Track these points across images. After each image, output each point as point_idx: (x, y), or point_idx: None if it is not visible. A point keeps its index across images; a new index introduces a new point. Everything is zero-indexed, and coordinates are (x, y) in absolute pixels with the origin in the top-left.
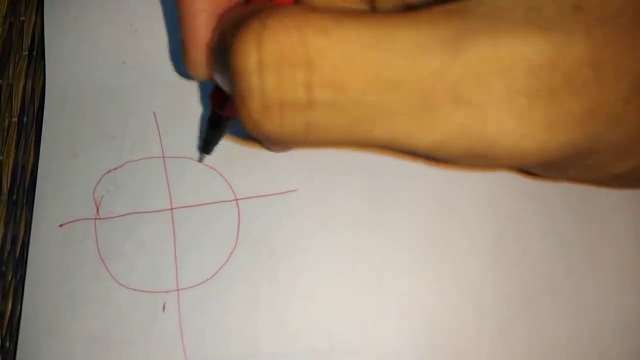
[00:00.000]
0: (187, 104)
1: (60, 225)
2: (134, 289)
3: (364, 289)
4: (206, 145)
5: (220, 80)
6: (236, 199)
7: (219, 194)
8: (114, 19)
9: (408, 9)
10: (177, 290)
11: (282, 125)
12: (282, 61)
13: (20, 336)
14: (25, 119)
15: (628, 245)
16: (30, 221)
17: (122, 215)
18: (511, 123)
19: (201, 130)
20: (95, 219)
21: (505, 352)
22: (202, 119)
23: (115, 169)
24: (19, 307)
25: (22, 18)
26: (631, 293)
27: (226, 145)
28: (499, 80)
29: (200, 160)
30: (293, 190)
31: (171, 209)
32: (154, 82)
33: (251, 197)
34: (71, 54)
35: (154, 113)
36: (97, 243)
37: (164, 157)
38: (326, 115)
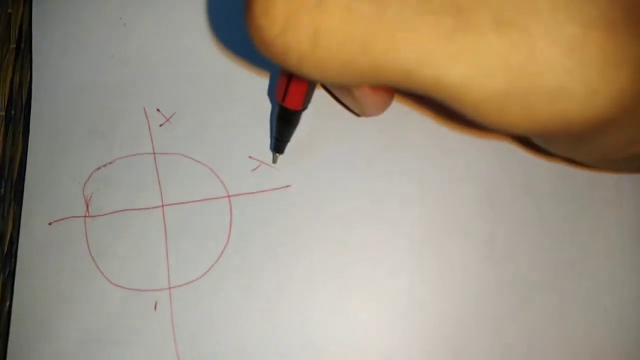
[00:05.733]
0: (180, 99)
1: (50, 224)
2: (126, 288)
3: (358, 287)
4: (278, 143)
5: None
6: (229, 196)
7: (211, 191)
8: (103, 12)
9: None
10: (170, 288)
11: (287, 29)
12: None
13: (10, 336)
14: (13, 112)
15: (622, 240)
16: (19, 217)
17: (112, 213)
18: (561, 57)
19: (271, 130)
20: (86, 217)
21: (503, 350)
22: (195, 114)
23: (105, 166)
24: (8, 304)
25: (9, 11)
26: (626, 288)
27: (219, 141)
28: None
29: (275, 161)
30: (287, 187)
31: (162, 206)
32: (144, 77)
33: (244, 194)
34: (59, 48)
35: (144, 109)
36: (87, 241)
37: (154, 153)
38: (339, 21)
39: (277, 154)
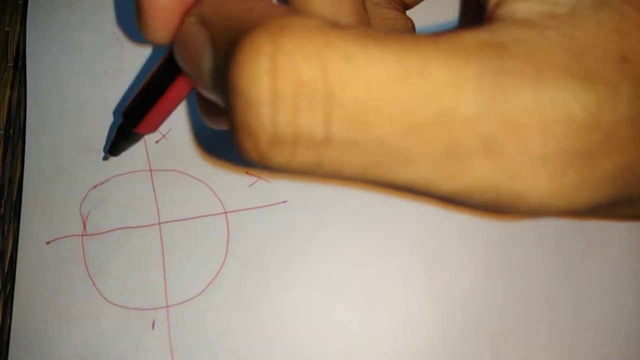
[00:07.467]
0: (174, 115)
1: (48, 243)
2: (123, 307)
3: (356, 301)
4: (114, 149)
5: (203, 84)
6: (225, 212)
7: (208, 207)
8: (96, 28)
9: (432, 33)
10: (167, 307)
11: (292, 160)
12: (299, 92)
13: (9, 355)
14: (11, 131)
15: (619, 252)
16: (17, 236)
17: (109, 231)
18: (544, 181)
19: (109, 134)
20: (83, 235)
21: None
22: (191, 129)
23: (102, 183)
24: (8, 322)
25: (6, 29)
26: (624, 301)
27: (215, 157)
28: (538, 136)
29: (105, 159)
30: (283, 202)
31: (159, 223)
32: None
33: (241, 210)
34: (53, 64)
35: None
36: (84, 260)
37: (150, 170)
38: (342, 154)
39: (110, 155)
